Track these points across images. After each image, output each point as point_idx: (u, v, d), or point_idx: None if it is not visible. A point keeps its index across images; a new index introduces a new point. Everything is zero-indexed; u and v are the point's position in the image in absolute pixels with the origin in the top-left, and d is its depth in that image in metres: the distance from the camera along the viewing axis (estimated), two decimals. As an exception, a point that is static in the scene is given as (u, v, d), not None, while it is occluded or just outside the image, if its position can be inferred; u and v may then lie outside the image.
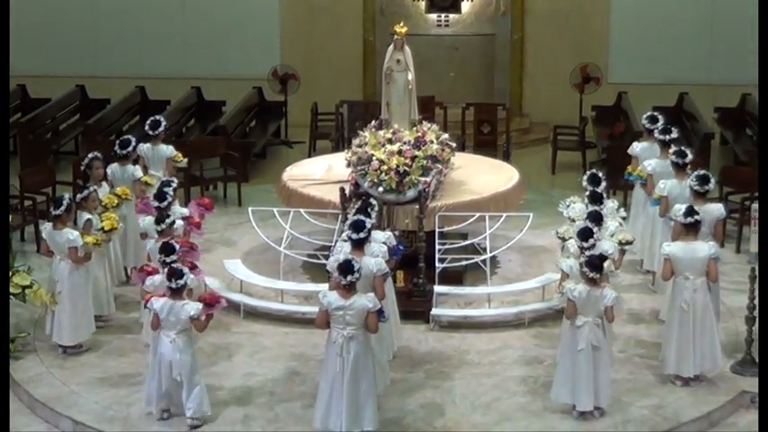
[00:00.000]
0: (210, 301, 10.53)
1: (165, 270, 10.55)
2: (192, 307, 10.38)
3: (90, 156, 13.26)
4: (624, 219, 12.62)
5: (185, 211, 12.66)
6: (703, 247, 11.10)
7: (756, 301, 11.36)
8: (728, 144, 19.01)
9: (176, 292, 10.39)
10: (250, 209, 14.07)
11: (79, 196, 12.37)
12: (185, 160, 14.65)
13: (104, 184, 13.20)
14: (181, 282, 10.36)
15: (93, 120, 18.51)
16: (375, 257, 10.77)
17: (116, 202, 12.88)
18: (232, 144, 17.56)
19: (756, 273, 11.38)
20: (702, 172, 12.03)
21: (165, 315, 10.37)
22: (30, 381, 11.32)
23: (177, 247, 10.91)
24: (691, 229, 11.10)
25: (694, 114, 18.75)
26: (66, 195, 12.10)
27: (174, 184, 12.56)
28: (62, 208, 11.85)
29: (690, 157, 12.95)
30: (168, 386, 10.44)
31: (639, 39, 20.54)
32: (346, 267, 9.91)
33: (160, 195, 12.22)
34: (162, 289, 10.62)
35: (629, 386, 11.16)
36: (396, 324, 11.72)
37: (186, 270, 10.49)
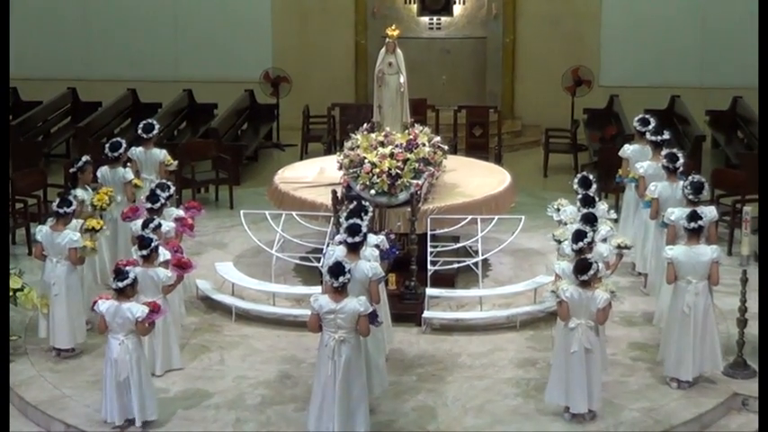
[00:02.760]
0: (154, 308, 10.56)
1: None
2: (138, 309, 10.37)
3: (83, 159, 13.18)
4: (615, 221, 12.62)
5: (179, 212, 12.63)
6: (706, 251, 11.09)
7: (749, 304, 11.39)
8: (720, 147, 19.04)
9: (122, 293, 10.40)
10: (242, 212, 14.06)
11: (70, 209, 11.96)
12: (175, 163, 14.64)
13: (88, 188, 13.13)
14: (122, 284, 10.39)
15: (84, 123, 18.52)
16: (368, 261, 10.76)
17: (107, 201, 12.87)
18: (224, 147, 17.55)
19: (748, 275, 11.40)
20: (697, 179, 12.00)
21: (112, 318, 10.38)
22: (21, 384, 11.29)
23: (155, 240, 11.18)
24: (694, 233, 11.11)
25: (686, 117, 18.79)
26: (72, 197, 12.05)
27: (171, 191, 12.52)
28: (72, 207, 11.83)
29: (681, 160, 12.97)
30: (121, 390, 10.41)
31: (631, 42, 20.57)
32: (336, 269, 9.90)
33: (152, 197, 12.20)
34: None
35: (621, 388, 11.16)
36: (388, 327, 11.72)
37: (132, 270, 10.56)
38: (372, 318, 10.03)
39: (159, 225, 11.76)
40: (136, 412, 10.42)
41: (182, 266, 11.61)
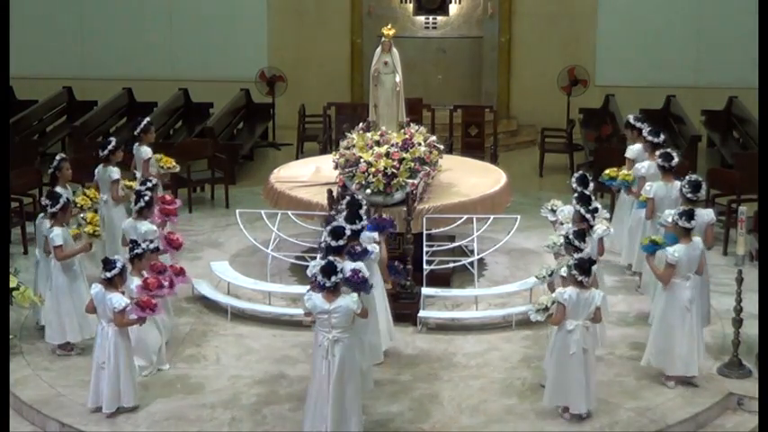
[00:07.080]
0: (144, 306, 10.58)
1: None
2: (118, 300, 10.45)
3: (58, 157, 13.15)
4: (609, 220, 12.62)
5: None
6: (699, 243, 11.18)
7: (745, 303, 11.40)
8: (715, 146, 19.06)
9: (109, 283, 10.48)
10: (237, 211, 14.05)
11: (56, 207, 11.85)
12: (177, 167, 14.58)
13: (68, 186, 13.09)
14: (110, 274, 10.45)
15: (80, 121, 18.51)
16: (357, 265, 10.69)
17: (90, 203, 12.86)
18: (219, 146, 17.55)
19: (743, 275, 11.40)
20: (695, 178, 11.99)
21: (98, 303, 10.54)
22: (16, 383, 11.27)
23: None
24: (689, 232, 11.13)
25: (681, 117, 18.81)
26: (64, 194, 12.03)
27: (154, 182, 12.49)
28: (58, 206, 11.81)
29: (676, 159, 12.98)
30: (98, 375, 10.52)
31: (627, 41, 20.60)
32: (329, 269, 9.88)
33: (136, 198, 12.18)
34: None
35: (617, 388, 11.16)
36: (388, 323, 11.74)
37: (121, 261, 10.59)
38: (363, 285, 10.10)
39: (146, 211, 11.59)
40: (104, 400, 10.51)
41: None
